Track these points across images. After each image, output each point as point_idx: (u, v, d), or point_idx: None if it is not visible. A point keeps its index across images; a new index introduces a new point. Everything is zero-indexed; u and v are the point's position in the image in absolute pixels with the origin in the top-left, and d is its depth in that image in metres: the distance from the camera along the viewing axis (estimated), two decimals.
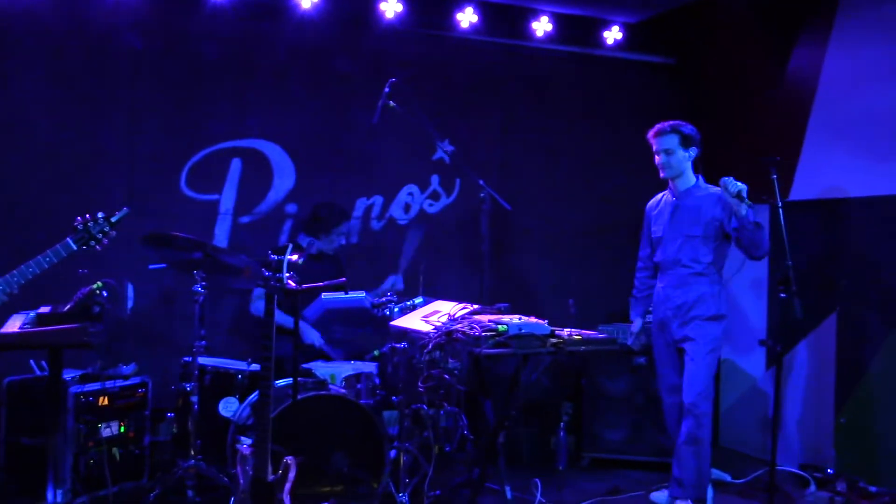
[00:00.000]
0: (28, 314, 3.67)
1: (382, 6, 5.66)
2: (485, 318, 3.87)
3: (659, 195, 4.96)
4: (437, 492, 4.67)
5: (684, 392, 4.58)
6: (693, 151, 4.69)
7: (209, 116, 5.58)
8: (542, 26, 6.07)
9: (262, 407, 3.52)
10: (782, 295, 4.04)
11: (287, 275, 3.55)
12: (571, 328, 3.90)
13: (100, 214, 3.41)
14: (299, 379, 4.56)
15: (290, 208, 5.79)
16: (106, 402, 4.75)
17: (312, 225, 5.34)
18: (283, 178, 5.79)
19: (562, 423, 5.68)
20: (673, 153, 4.66)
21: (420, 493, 4.59)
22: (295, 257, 3.56)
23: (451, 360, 4.52)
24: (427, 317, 4.24)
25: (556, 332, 3.71)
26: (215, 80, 5.56)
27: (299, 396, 4.26)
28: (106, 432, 4.72)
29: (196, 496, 4.45)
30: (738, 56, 6.16)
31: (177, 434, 4.82)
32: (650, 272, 4.96)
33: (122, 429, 4.81)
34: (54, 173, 5.20)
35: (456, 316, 3.98)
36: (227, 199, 5.68)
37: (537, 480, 4.83)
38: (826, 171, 5.60)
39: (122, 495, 4.65)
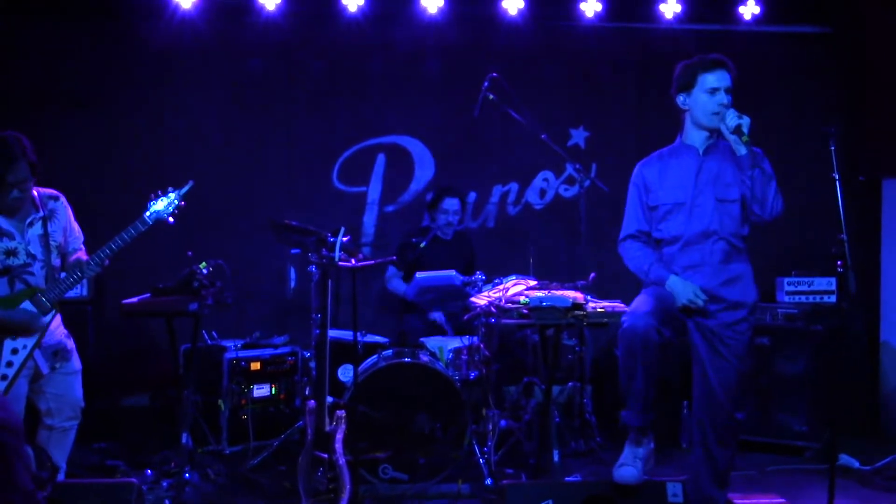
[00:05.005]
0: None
1: (505, 3, 6.01)
2: (533, 293, 4.12)
3: (654, 155, 4.01)
4: (533, 460, 4.95)
5: (712, 404, 3.77)
6: None
7: (355, 118, 6.31)
8: (670, 8, 6.09)
9: (320, 368, 4.07)
10: (839, 270, 3.88)
11: (340, 254, 4.05)
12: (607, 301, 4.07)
13: (170, 189, 3.95)
14: (401, 348, 5.13)
15: (430, 196, 6.31)
16: (258, 367, 5.55)
17: (428, 206, 5.85)
18: (424, 169, 6.37)
19: (685, 402, 5.69)
20: (730, 93, 3.76)
21: (513, 460, 4.96)
22: (345, 239, 4.07)
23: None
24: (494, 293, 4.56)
25: (586, 305, 3.89)
26: (357, 85, 6.28)
27: (393, 362, 4.79)
28: (258, 393, 5.52)
29: None
30: (891, 15, 5.78)
31: (307, 396, 5.53)
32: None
33: (274, 391, 5.60)
34: (224, 176, 6.15)
35: (509, 292, 4.27)
36: (374, 190, 6.37)
37: None
38: None
39: (265, 447, 5.40)
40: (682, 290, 3.69)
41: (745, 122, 3.63)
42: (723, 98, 3.73)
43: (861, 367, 6.05)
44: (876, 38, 6.04)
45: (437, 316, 5.61)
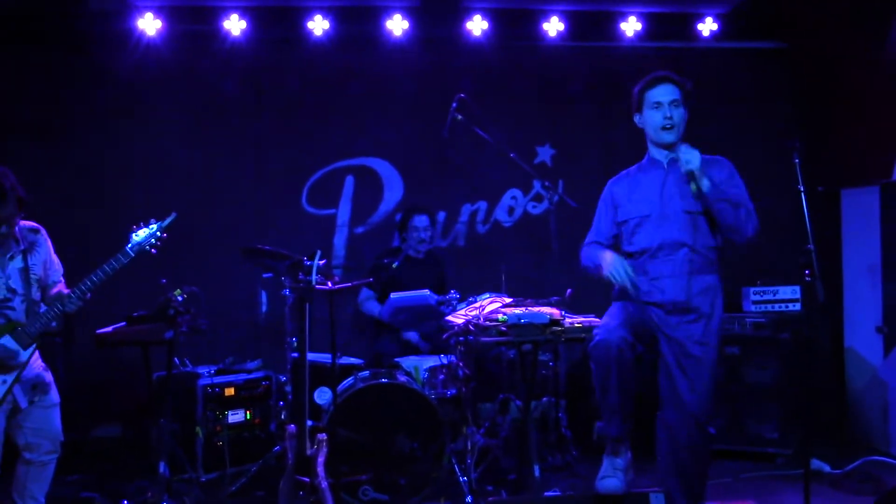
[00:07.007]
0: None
1: (469, 25, 6.09)
2: (508, 309, 4.17)
3: (624, 173, 4.09)
4: (513, 476, 5.00)
5: (681, 417, 3.81)
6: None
7: (323, 141, 6.35)
8: (630, 26, 6.22)
9: (298, 392, 4.07)
10: (807, 279, 3.96)
11: (316, 278, 4.07)
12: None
13: (152, 221, 3.96)
14: (378, 368, 5.14)
15: (400, 217, 6.34)
16: (232, 392, 5.52)
17: (398, 226, 5.88)
18: (393, 190, 6.42)
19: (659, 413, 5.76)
20: (680, 106, 3.85)
21: (492, 477, 4.98)
22: (322, 262, 4.08)
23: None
24: (471, 311, 4.60)
25: (563, 321, 3.95)
26: (325, 108, 6.32)
27: (371, 383, 4.80)
28: (233, 419, 5.49)
29: None
30: (844, 30, 5.96)
31: (283, 420, 5.51)
32: None
33: (248, 416, 5.57)
34: (193, 201, 6.12)
35: (486, 309, 4.31)
36: (344, 212, 6.41)
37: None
38: None
39: (241, 473, 5.37)
40: (611, 263, 3.70)
41: (695, 167, 3.70)
42: (667, 111, 3.80)
43: (827, 373, 6.19)
44: (829, 53, 6.22)
45: (412, 335, 5.63)
